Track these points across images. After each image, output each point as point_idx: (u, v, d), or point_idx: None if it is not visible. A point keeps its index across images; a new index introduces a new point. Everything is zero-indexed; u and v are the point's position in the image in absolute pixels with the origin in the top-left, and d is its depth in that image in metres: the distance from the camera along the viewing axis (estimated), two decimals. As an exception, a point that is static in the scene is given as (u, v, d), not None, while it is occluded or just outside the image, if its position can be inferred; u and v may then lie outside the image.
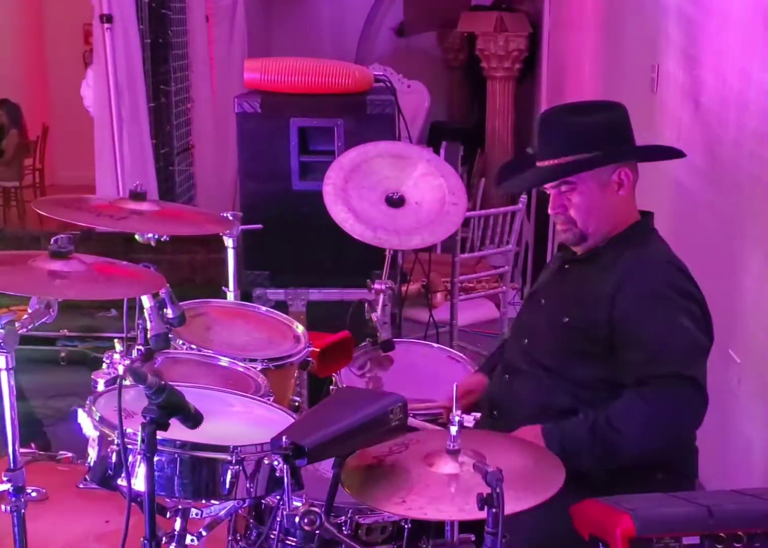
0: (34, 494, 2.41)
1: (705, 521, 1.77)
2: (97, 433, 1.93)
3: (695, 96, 3.77)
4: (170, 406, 1.74)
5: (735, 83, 3.34)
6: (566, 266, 2.52)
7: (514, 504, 1.69)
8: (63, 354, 5.06)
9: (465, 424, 1.85)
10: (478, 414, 1.88)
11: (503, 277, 4.69)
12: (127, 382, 2.33)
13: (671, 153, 2.58)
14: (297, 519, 1.74)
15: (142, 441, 1.73)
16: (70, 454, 2.69)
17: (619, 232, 2.41)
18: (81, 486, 2.50)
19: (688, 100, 3.84)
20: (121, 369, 2.41)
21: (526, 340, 2.48)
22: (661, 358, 2.24)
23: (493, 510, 1.60)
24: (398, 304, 3.85)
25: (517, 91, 8.23)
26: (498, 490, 1.59)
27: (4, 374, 2.02)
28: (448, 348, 3.10)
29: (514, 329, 2.66)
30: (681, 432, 2.28)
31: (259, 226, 3.14)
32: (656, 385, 2.21)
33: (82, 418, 2.14)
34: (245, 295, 3.44)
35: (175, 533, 1.97)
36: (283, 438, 1.76)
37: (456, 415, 1.85)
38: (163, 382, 1.74)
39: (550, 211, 2.44)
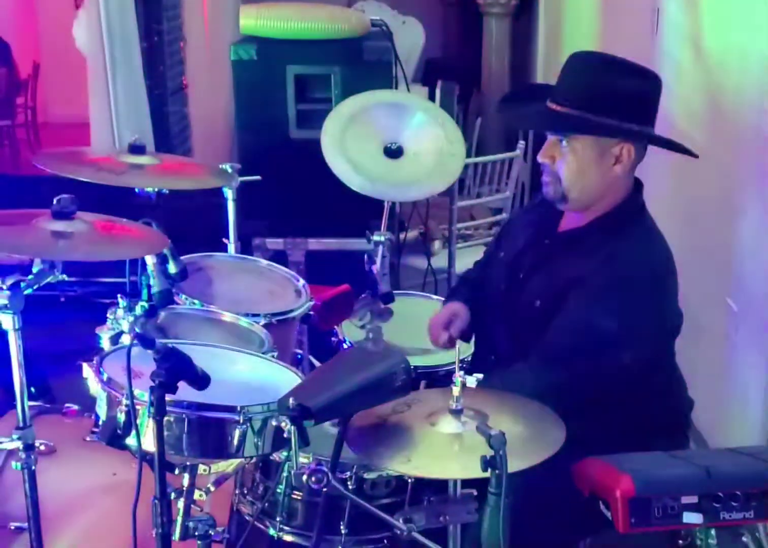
0: (42, 447, 2.44)
1: (703, 482, 1.82)
2: (105, 394, 1.96)
3: (696, 40, 3.74)
4: (178, 370, 1.77)
5: (737, 28, 3.31)
6: (546, 241, 2.44)
7: (515, 462, 1.72)
8: (62, 300, 5.09)
9: (467, 385, 1.87)
10: (481, 375, 1.90)
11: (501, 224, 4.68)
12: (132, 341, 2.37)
13: (684, 150, 2.40)
14: (304, 478, 1.78)
15: (151, 404, 1.75)
16: (76, 407, 2.72)
17: (606, 213, 2.34)
18: (88, 439, 2.54)
19: (689, 44, 3.81)
20: (124, 325, 2.43)
21: (508, 321, 2.44)
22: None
23: (497, 471, 1.64)
24: (396, 252, 3.87)
25: (514, 28, 8.14)
26: (501, 453, 1.63)
27: (12, 334, 2.05)
28: (447, 300, 3.11)
29: (494, 293, 2.54)
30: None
31: (258, 177, 3.14)
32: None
33: (88, 374, 2.18)
34: (244, 244, 3.44)
35: (184, 488, 2.01)
36: (290, 399, 1.78)
37: (458, 376, 1.88)
38: (170, 346, 1.76)
39: (539, 157, 2.36)
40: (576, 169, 2.30)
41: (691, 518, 1.79)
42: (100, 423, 1.98)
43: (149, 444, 1.84)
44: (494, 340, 2.50)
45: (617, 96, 2.25)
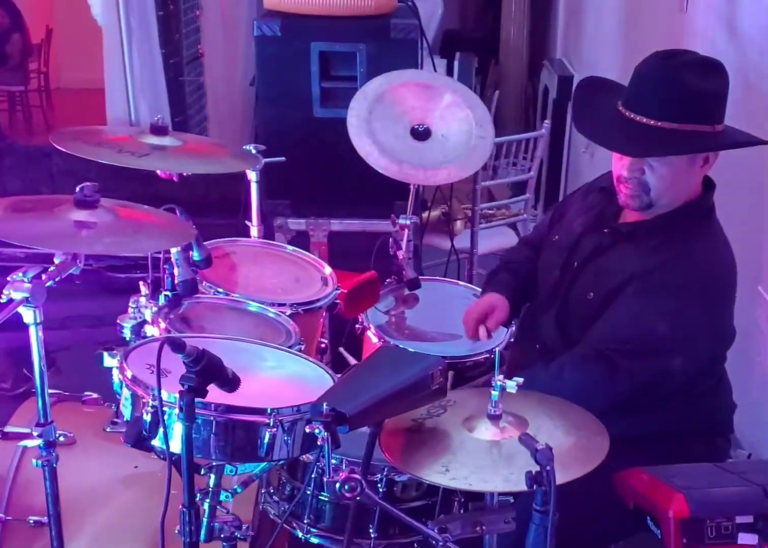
0: (61, 438, 2.37)
1: (761, 502, 1.75)
2: (129, 393, 1.90)
3: (730, 19, 3.63)
4: (209, 373, 1.70)
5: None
6: (605, 230, 2.35)
7: (559, 474, 1.65)
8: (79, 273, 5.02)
9: (507, 390, 1.80)
10: (521, 380, 1.82)
11: (525, 205, 4.59)
12: (152, 330, 2.31)
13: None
14: (338, 487, 1.72)
15: (181, 409, 1.69)
16: (95, 395, 2.65)
17: (674, 210, 2.25)
18: (108, 429, 2.48)
19: (722, 23, 3.70)
20: (147, 314, 2.37)
21: (557, 310, 2.37)
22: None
23: (543, 488, 1.57)
24: (419, 233, 3.80)
25: (534, -2, 7.99)
26: (548, 468, 1.56)
27: (33, 328, 1.98)
28: (473, 287, 3.04)
29: (546, 279, 2.47)
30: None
31: (282, 158, 3.06)
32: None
33: (112, 368, 2.12)
34: (265, 224, 3.36)
35: (210, 489, 1.95)
36: (324, 404, 1.71)
37: (498, 380, 1.81)
38: (201, 350, 1.69)
39: (624, 173, 2.21)
40: (671, 180, 2.21)
41: (747, 539, 1.72)
42: (125, 422, 1.92)
43: (176, 446, 1.78)
44: (541, 328, 2.43)
45: (705, 99, 2.17)
